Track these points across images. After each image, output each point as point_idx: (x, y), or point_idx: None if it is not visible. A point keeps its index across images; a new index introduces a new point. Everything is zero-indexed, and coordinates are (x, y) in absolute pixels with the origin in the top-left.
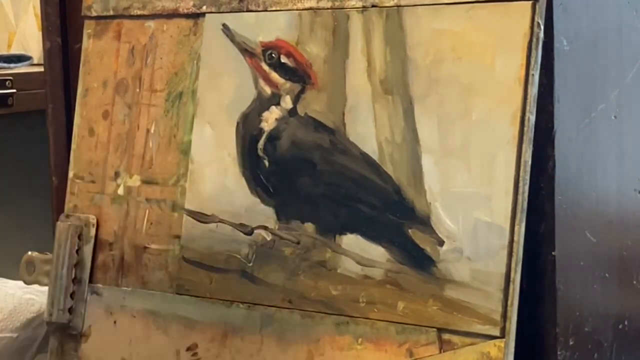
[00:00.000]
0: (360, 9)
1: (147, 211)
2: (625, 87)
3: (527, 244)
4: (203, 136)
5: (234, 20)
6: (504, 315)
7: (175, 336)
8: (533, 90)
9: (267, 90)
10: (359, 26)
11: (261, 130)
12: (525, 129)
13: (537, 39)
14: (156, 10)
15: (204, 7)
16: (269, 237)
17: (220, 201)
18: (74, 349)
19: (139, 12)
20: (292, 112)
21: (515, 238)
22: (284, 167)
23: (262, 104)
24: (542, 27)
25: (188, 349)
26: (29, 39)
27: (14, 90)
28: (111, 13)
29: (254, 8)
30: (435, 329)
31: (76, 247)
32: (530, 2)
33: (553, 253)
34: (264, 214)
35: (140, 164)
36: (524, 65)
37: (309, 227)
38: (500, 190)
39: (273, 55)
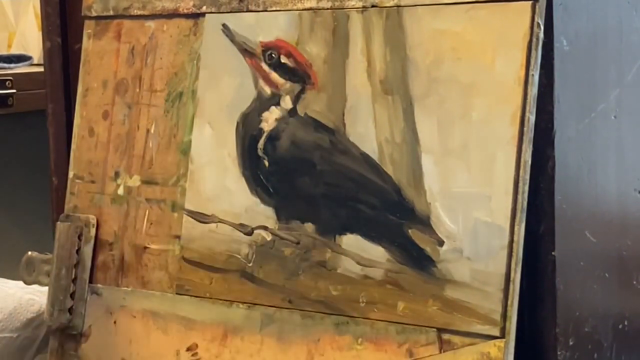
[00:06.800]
0: (360, 9)
1: (147, 211)
2: (625, 87)
3: (527, 244)
4: (203, 136)
5: (234, 20)
6: (504, 315)
7: (175, 336)
8: (533, 90)
9: (267, 90)
10: (359, 26)
11: (261, 131)
12: (525, 129)
13: (537, 39)
14: (156, 10)
15: (204, 7)
16: (269, 237)
17: (220, 201)
18: (74, 349)
19: (139, 12)
20: (292, 112)
21: (515, 238)
22: (283, 167)
23: (262, 104)
24: (542, 27)
25: (188, 349)
26: (29, 39)
27: (14, 91)
28: (111, 13)
29: (254, 8)
30: (435, 329)
31: (76, 247)
32: (530, 2)
33: (553, 253)
34: (264, 214)
35: (140, 164)
36: (524, 65)
37: (309, 227)
38: (500, 190)
39: (273, 55)
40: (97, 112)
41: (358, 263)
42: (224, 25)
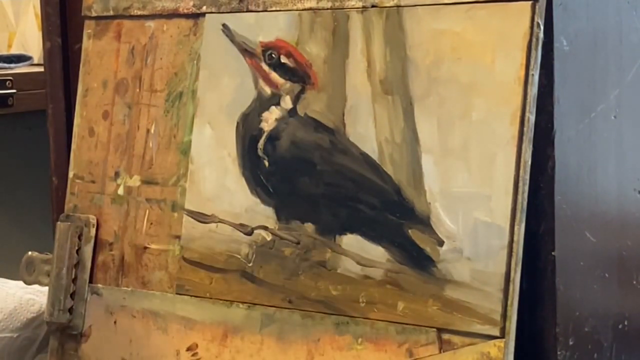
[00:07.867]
0: (360, 9)
1: (147, 211)
2: (625, 87)
3: (527, 244)
4: (203, 136)
5: (234, 20)
6: (504, 315)
7: (175, 336)
8: (533, 90)
9: (267, 90)
10: (359, 26)
11: (261, 131)
12: (525, 129)
13: (537, 39)
14: (156, 10)
15: (204, 7)
16: (269, 237)
17: (220, 201)
18: (74, 349)
19: (139, 12)
20: (292, 112)
21: (515, 238)
22: (283, 167)
23: (262, 104)
24: (542, 27)
25: (188, 349)
26: (29, 39)
27: (14, 91)
28: (111, 13)
29: (254, 8)
30: (435, 329)
31: (76, 247)
32: (530, 2)
33: (553, 253)
34: (264, 214)
35: (140, 164)
36: (524, 65)
37: (309, 227)
38: (500, 190)
39: (273, 55)
40: (97, 112)
41: (358, 263)
42: (224, 25)
